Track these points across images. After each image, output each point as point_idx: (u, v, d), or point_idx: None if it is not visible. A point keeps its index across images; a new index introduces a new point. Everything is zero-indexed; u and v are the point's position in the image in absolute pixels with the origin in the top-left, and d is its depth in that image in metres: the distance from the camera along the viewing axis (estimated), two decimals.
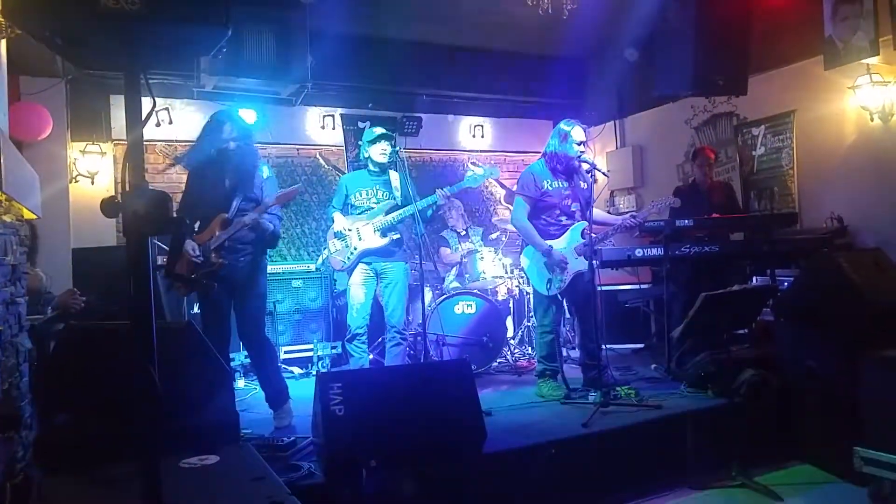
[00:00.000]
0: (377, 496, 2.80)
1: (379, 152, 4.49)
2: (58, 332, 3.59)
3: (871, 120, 5.21)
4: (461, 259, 5.90)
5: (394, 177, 4.57)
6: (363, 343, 4.49)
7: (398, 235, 4.50)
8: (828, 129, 5.60)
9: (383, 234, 4.42)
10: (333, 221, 4.56)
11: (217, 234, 3.81)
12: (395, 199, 4.50)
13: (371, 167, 4.58)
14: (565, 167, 4.37)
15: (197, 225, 3.91)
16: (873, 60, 5.01)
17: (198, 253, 3.74)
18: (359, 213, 4.51)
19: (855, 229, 5.31)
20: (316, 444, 3.15)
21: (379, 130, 4.55)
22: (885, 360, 3.20)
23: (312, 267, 6.06)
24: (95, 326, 2.96)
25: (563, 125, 4.40)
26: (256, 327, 3.97)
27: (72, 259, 5.03)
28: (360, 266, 4.47)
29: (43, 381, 2.86)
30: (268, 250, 4.13)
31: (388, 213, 4.44)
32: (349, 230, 4.46)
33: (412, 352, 5.42)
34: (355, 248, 4.43)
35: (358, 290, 4.46)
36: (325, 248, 4.74)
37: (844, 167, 5.48)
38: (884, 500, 3.10)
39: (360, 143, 4.72)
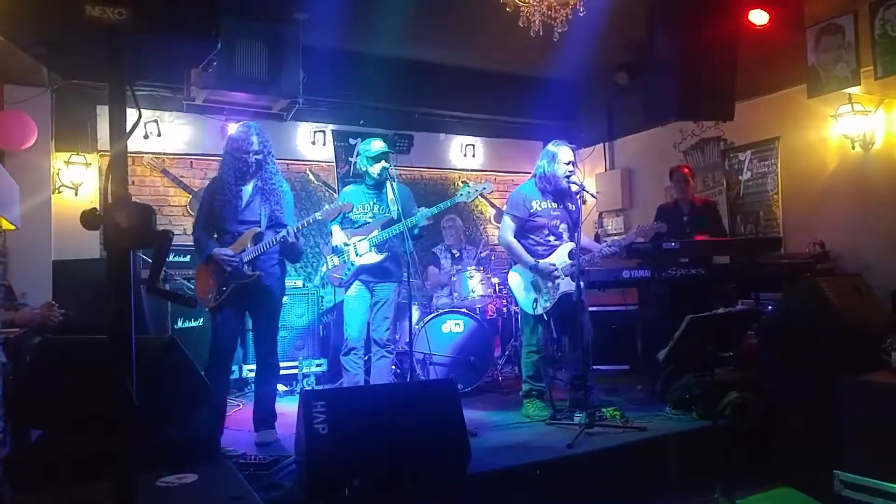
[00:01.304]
0: None
1: (378, 169, 4.44)
2: (34, 346, 3.53)
3: (853, 148, 5.30)
4: (450, 279, 5.89)
5: (390, 190, 4.51)
6: (359, 358, 4.45)
7: (385, 254, 4.41)
8: (811, 155, 5.68)
9: (379, 251, 4.38)
10: (332, 235, 4.51)
11: (249, 246, 3.86)
12: (391, 213, 4.45)
13: (368, 180, 4.53)
14: (554, 188, 4.39)
15: (214, 236, 3.96)
16: (855, 90, 5.12)
17: (236, 259, 3.80)
18: (355, 227, 4.46)
19: (837, 255, 5.37)
20: (298, 462, 3.11)
21: (379, 145, 4.47)
22: (866, 385, 3.23)
23: (300, 283, 6.01)
24: (72, 340, 2.91)
25: (550, 146, 4.44)
26: (274, 341, 4.05)
27: (52, 271, 4.96)
28: (356, 282, 4.43)
29: (17, 396, 2.80)
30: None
31: (383, 227, 4.39)
32: (346, 245, 4.42)
33: (399, 370, 5.39)
34: (352, 265, 4.39)
35: (354, 303, 4.42)
36: (323, 264, 4.70)
37: (827, 194, 5.56)
38: None
39: (355, 155, 4.67)
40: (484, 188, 4.55)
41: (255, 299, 3.92)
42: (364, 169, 4.52)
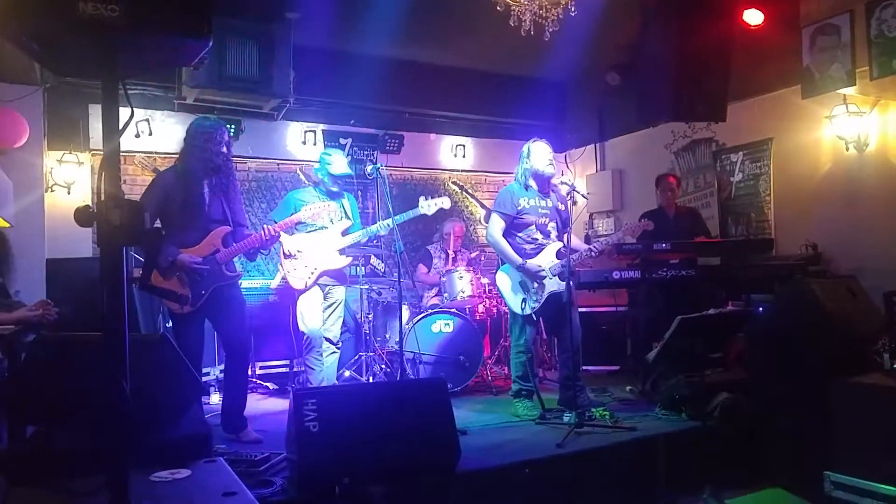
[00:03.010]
0: None
1: (338, 187, 4.68)
2: (29, 343, 3.53)
3: (847, 149, 5.31)
4: (440, 279, 5.91)
5: (346, 202, 4.75)
6: (320, 354, 4.60)
7: (351, 258, 4.68)
8: (804, 157, 5.70)
9: (342, 254, 4.59)
10: (283, 241, 4.49)
11: (221, 247, 3.76)
12: (350, 219, 4.67)
13: (323, 187, 4.68)
14: (537, 182, 4.47)
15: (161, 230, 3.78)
16: (849, 91, 5.10)
17: (202, 263, 3.67)
18: (310, 231, 4.55)
19: (829, 256, 5.40)
20: (290, 460, 3.12)
21: (341, 168, 4.64)
22: (856, 386, 3.24)
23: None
24: (67, 337, 2.91)
25: (525, 146, 4.54)
26: (247, 339, 3.97)
27: (46, 270, 4.95)
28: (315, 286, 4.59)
29: (13, 392, 2.80)
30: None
31: (343, 234, 4.59)
32: (300, 251, 4.50)
33: (388, 370, 5.40)
34: (316, 268, 4.52)
35: (311, 303, 4.57)
36: (278, 272, 4.77)
37: (819, 195, 5.57)
38: None
39: (323, 161, 4.76)
40: (442, 203, 4.77)
41: (227, 299, 3.82)
42: (321, 177, 4.69)
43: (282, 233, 4.35)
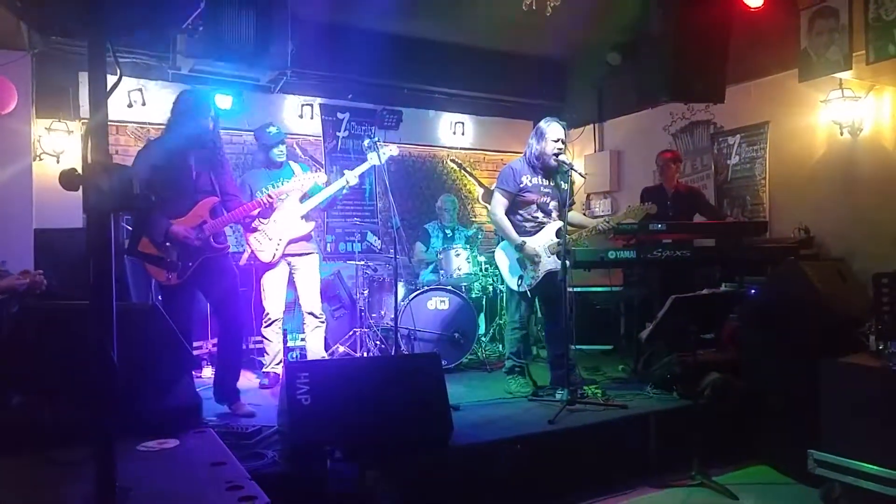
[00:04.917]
0: (341, 486, 2.77)
1: (279, 152, 4.69)
2: (14, 313, 3.49)
3: (841, 134, 5.31)
4: (437, 256, 5.89)
5: (296, 167, 4.76)
6: (280, 328, 4.70)
7: (314, 223, 4.70)
8: (799, 141, 5.69)
9: (306, 220, 4.61)
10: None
11: (208, 218, 3.74)
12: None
13: (270, 162, 4.71)
14: (543, 165, 4.39)
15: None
16: (846, 75, 5.09)
17: (195, 236, 3.66)
18: None
19: (821, 240, 5.41)
20: (281, 432, 3.12)
21: (275, 130, 4.69)
22: (843, 367, 3.28)
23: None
24: (53, 306, 2.88)
25: (541, 123, 4.44)
26: (240, 310, 3.95)
27: (34, 240, 4.89)
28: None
29: None
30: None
31: (301, 200, 4.60)
32: (262, 223, 4.51)
33: (383, 346, 5.40)
34: (281, 239, 4.54)
35: (274, 277, 4.62)
36: (244, 249, 4.74)
37: (813, 179, 5.58)
38: (834, 501, 3.19)
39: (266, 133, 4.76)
40: (392, 151, 4.88)
41: (217, 271, 3.80)
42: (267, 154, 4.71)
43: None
